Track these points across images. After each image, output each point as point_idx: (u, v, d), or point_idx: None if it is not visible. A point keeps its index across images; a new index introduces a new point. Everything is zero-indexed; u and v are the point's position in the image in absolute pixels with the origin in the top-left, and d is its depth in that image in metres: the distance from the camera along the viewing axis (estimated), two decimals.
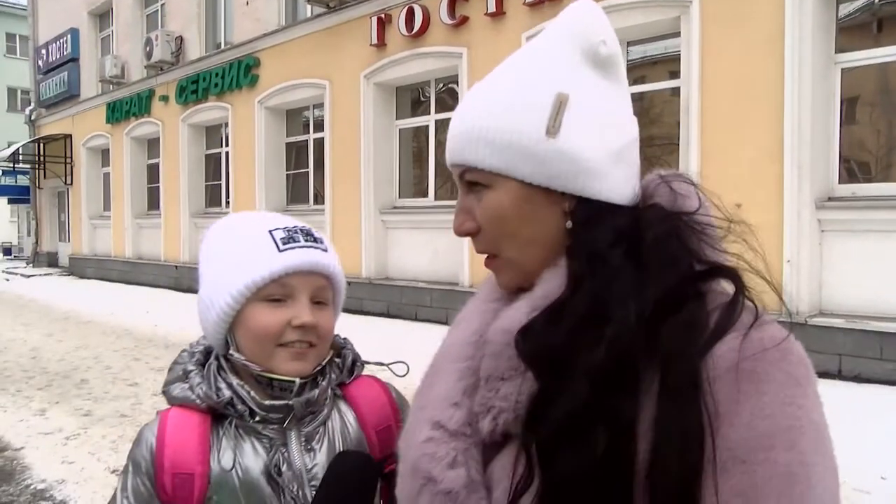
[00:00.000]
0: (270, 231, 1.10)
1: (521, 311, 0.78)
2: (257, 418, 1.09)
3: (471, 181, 0.84)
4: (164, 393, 1.15)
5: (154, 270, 16.85)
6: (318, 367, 1.14)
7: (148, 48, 16.09)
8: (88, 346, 9.35)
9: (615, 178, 0.80)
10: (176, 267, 15.96)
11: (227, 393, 1.10)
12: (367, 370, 1.28)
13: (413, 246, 10.79)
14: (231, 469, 1.07)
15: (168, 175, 16.45)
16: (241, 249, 1.10)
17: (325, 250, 1.13)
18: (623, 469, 0.67)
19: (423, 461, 0.78)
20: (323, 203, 12.13)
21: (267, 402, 1.09)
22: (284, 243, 1.09)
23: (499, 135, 0.80)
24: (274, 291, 1.08)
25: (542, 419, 0.71)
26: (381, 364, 1.26)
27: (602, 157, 0.79)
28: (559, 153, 0.78)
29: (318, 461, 1.11)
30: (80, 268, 20.51)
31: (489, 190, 0.82)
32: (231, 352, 1.12)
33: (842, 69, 6.76)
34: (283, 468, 1.08)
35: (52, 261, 23.26)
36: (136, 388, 7.00)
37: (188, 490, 1.05)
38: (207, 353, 1.19)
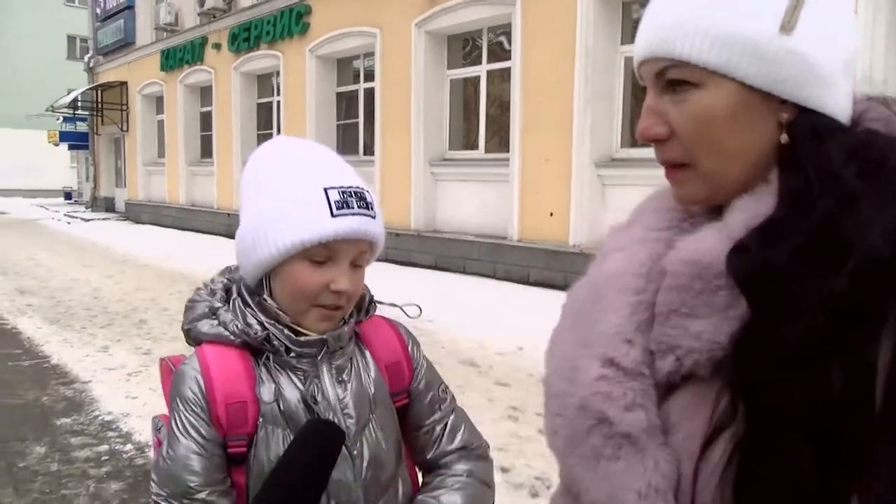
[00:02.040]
0: (326, 189, 1.11)
1: (709, 240, 0.71)
2: (292, 354, 1.15)
3: (674, 79, 0.74)
4: (189, 330, 1.19)
5: (207, 217, 17.22)
6: (346, 322, 1.22)
7: None
8: (146, 289, 9.68)
9: (842, 90, 0.72)
10: (228, 214, 16.27)
11: (260, 329, 1.14)
12: (380, 311, 1.35)
13: (462, 198, 10.79)
14: (273, 400, 1.13)
15: (221, 123, 16.67)
16: (293, 202, 1.11)
17: (374, 217, 1.14)
18: (861, 413, 0.60)
19: (595, 400, 0.73)
20: (373, 154, 12.16)
21: (302, 338, 1.14)
22: (338, 207, 1.10)
23: (724, 26, 0.70)
24: (318, 253, 1.10)
25: (756, 351, 0.64)
26: (395, 305, 1.33)
27: (834, 64, 0.71)
28: (791, 53, 0.69)
29: (349, 393, 1.18)
30: (136, 213, 21.09)
31: (698, 90, 0.72)
32: (265, 297, 1.16)
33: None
34: (319, 397, 1.15)
35: (109, 206, 23.94)
36: None
37: (243, 418, 1.11)
38: (227, 290, 1.21)
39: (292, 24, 13.79)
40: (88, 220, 21.39)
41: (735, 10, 0.70)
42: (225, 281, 1.22)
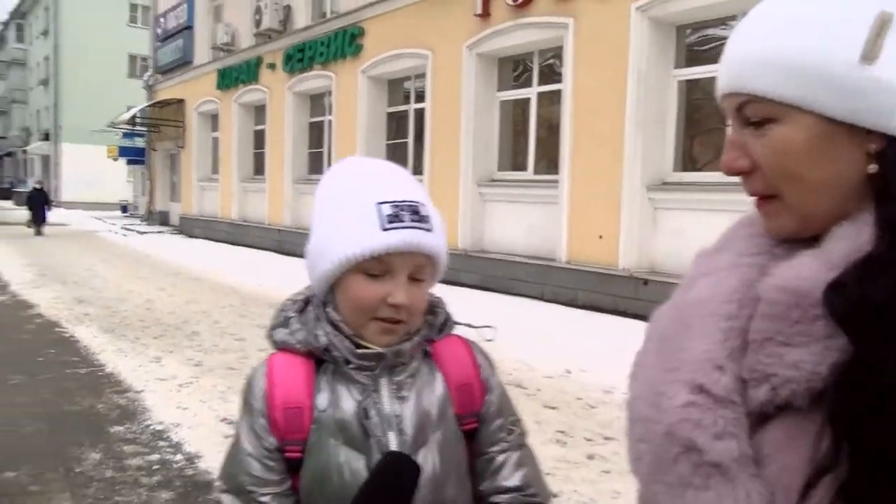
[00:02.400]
0: (379, 204, 1.12)
1: (807, 268, 0.69)
2: (351, 366, 1.16)
3: (752, 115, 0.73)
4: (269, 337, 1.24)
5: (258, 233, 17.53)
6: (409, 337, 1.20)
7: (257, 16, 16.60)
8: (198, 301, 9.88)
9: None
10: (279, 231, 16.55)
11: (323, 339, 1.17)
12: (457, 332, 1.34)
13: (510, 219, 10.78)
14: (327, 409, 1.15)
15: (273, 141, 17.00)
16: (346, 217, 1.14)
17: (430, 230, 1.14)
18: None
19: (683, 427, 0.71)
20: (422, 174, 12.24)
21: (359, 351, 1.15)
22: (389, 221, 1.11)
23: (798, 57, 0.68)
24: (372, 267, 1.12)
25: (860, 391, 0.61)
26: (471, 326, 1.34)
27: None
28: (875, 82, 0.66)
29: (407, 409, 1.17)
30: (189, 227, 21.60)
31: (776, 124, 0.71)
32: (328, 309, 1.19)
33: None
34: (372, 413, 1.14)
35: (163, 219, 24.57)
36: (243, 342, 7.36)
37: (298, 423, 1.15)
38: (307, 301, 1.25)
39: (345, 45, 14.04)
40: (143, 232, 21.99)
41: (810, 40, 0.68)
42: (307, 293, 1.26)
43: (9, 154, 52.56)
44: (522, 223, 10.50)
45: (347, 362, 1.16)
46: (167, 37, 22.75)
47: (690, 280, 0.83)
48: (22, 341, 7.33)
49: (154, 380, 5.89)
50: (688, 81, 8.74)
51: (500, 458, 1.25)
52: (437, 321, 1.26)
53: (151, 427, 4.79)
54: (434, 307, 1.27)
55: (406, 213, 1.12)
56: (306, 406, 1.15)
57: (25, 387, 5.67)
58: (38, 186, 22.96)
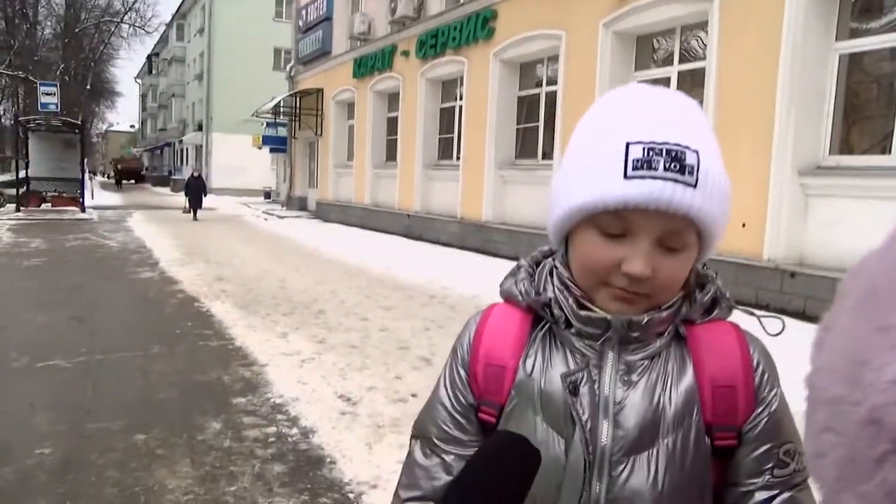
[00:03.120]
0: (629, 144, 0.85)
1: None
2: (573, 329, 0.95)
3: None
4: (500, 286, 1.07)
5: (389, 217, 17.83)
6: (657, 311, 0.93)
7: (392, 4, 16.79)
8: (327, 282, 10.11)
9: None
10: (408, 216, 16.73)
11: (548, 294, 0.98)
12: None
13: None
14: (532, 374, 0.96)
15: (405, 128, 17.18)
16: (587, 158, 0.90)
17: (693, 185, 0.84)
18: None
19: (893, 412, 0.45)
20: (551, 158, 11.92)
21: (583, 313, 0.93)
22: (635, 167, 0.84)
23: None
24: (609, 223, 0.87)
25: None
26: (752, 314, 0.99)
27: None
28: None
29: (633, 397, 0.92)
30: (325, 212, 22.34)
31: None
32: (558, 263, 0.99)
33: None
34: (584, 389, 0.92)
35: (302, 205, 25.59)
36: (366, 322, 7.40)
37: (498, 383, 0.98)
38: (550, 253, 1.06)
39: (478, 29, 13.90)
40: (283, 217, 23.00)
41: None
42: (551, 247, 1.07)
43: (167, 144, 56.80)
44: None
45: (569, 325, 0.96)
46: (308, 28, 23.56)
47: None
48: (164, 314, 7.74)
49: (279, 354, 6.01)
50: (850, 56, 7.86)
51: (761, 496, 0.92)
52: (702, 299, 0.96)
53: (272, 400, 4.85)
54: (703, 281, 0.99)
55: (660, 159, 0.83)
56: (510, 366, 0.97)
57: (164, 356, 5.95)
58: (195, 174, 23.81)
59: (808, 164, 7.88)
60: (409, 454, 1.03)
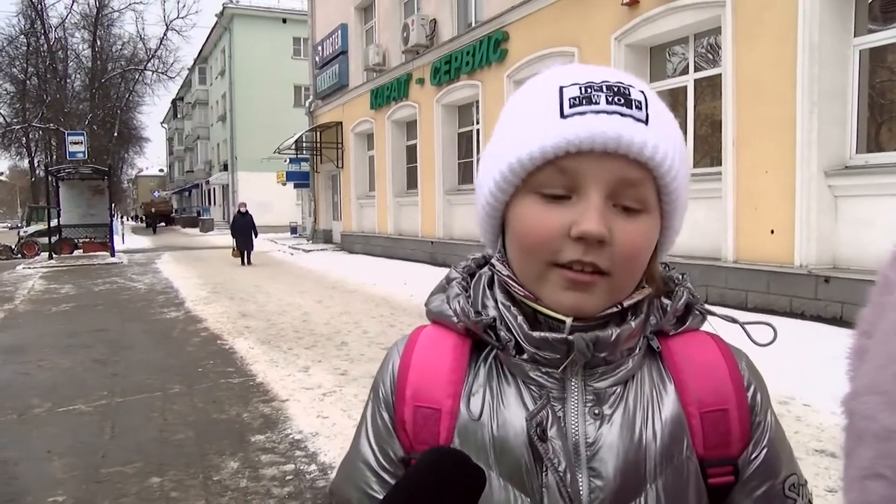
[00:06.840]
0: (562, 87, 0.71)
1: None
2: (525, 355, 0.75)
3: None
4: (426, 306, 0.87)
5: (412, 245, 17.77)
6: (618, 308, 0.74)
7: (405, 34, 16.91)
8: (350, 312, 10.02)
9: None
10: (431, 242, 16.65)
11: (491, 312, 0.79)
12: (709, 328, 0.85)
13: None
14: (480, 417, 0.76)
15: (424, 155, 17.18)
16: (519, 117, 0.74)
17: (644, 121, 0.69)
18: None
19: None
20: None
21: (537, 334, 0.74)
22: (572, 105, 0.69)
23: None
24: (550, 181, 0.70)
25: None
26: (734, 321, 0.80)
27: None
28: None
29: (609, 435, 0.74)
30: (350, 243, 22.37)
31: None
32: (494, 261, 0.80)
33: None
34: (551, 432, 0.73)
35: (327, 237, 25.70)
36: None
37: (432, 430, 0.77)
38: (485, 262, 0.87)
39: (490, 52, 13.89)
40: (308, 251, 23.07)
41: None
42: (487, 253, 0.88)
43: (195, 186, 57.73)
44: (684, 222, 9.69)
45: (520, 349, 0.76)
46: (324, 63, 23.83)
47: None
48: (186, 353, 7.69)
49: (300, 389, 5.90)
50: (871, 50, 7.64)
51: None
52: (675, 304, 0.80)
53: (290, 436, 4.73)
54: (672, 283, 0.83)
55: (601, 94, 0.69)
56: (446, 408, 0.77)
57: (183, 395, 5.87)
58: (242, 210, 19.83)
59: (834, 164, 7.64)
60: None
